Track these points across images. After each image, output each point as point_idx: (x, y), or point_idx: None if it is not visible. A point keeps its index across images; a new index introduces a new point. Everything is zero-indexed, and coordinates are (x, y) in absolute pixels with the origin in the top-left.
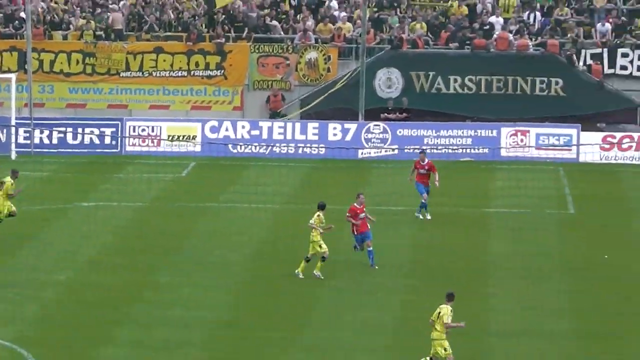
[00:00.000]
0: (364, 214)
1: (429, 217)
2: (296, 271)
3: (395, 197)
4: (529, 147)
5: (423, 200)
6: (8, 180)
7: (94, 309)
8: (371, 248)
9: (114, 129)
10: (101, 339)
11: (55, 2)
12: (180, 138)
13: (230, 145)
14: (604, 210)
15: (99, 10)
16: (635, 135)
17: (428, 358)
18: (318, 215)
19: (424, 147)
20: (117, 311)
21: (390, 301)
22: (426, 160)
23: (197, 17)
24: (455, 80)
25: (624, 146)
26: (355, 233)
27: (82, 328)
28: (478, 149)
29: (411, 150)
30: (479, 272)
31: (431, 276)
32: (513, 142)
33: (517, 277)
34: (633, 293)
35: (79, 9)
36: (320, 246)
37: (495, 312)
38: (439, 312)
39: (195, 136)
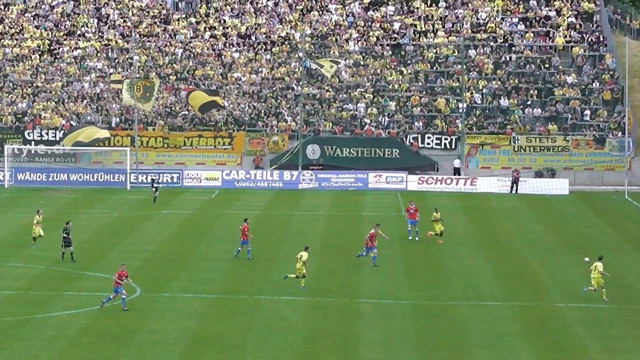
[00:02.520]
0: (375, 237)
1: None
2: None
3: (315, 208)
4: (383, 182)
5: (409, 229)
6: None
7: None
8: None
9: (178, 174)
10: None
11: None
12: (211, 179)
13: (235, 182)
14: (421, 210)
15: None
16: (434, 177)
17: (591, 288)
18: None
19: (412, 201)
20: None
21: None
22: (413, 205)
23: (218, 120)
24: (345, 150)
25: (429, 182)
26: (367, 246)
27: None
28: (357, 184)
29: (325, 185)
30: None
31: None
32: (375, 180)
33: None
34: (428, 248)
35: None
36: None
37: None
38: (596, 266)
39: (218, 178)
